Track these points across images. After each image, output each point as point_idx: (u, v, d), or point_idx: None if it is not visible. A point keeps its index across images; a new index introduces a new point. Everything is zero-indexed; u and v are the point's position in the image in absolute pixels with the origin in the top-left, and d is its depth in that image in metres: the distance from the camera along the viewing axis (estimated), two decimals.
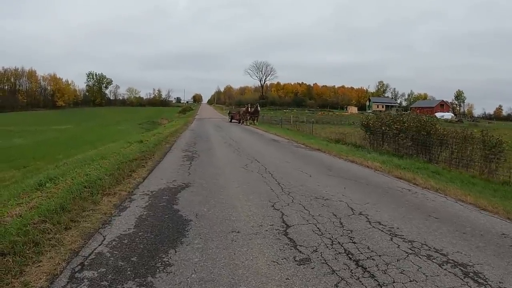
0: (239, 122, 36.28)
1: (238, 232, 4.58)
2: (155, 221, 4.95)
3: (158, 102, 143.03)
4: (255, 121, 34.04)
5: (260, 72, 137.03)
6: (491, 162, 11.87)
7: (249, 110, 34.63)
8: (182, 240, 4.26)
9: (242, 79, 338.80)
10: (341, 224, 5.08)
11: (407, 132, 14.35)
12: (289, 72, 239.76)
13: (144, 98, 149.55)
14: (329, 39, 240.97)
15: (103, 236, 4.36)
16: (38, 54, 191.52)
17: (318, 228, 4.86)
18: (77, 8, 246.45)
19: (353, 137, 19.25)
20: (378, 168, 10.27)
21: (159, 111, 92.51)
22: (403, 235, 4.70)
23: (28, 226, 4.49)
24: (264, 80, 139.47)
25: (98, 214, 5.26)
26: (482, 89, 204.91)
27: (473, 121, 78.98)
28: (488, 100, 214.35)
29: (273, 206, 5.88)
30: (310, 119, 41.96)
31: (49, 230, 4.47)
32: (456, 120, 60.00)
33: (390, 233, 4.78)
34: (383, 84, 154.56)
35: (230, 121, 39.64)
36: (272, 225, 4.91)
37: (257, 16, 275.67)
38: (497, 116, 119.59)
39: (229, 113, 44.99)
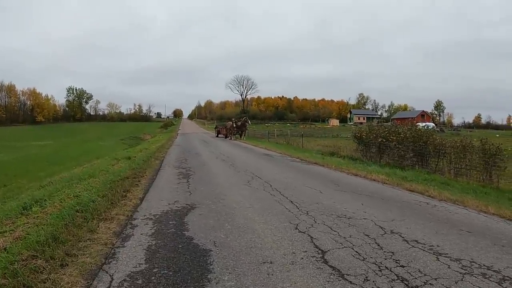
0: (225, 137, 35.57)
1: (271, 262, 3.90)
2: (169, 253, 4.21)
3: (139, 117, 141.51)
4: (243, 136, 33.39)
5: (241, 86, 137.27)
6: (492, 170, 11.65)
7: (236, 124, 33.93)
8: (209, 276, 3.56)
9: (222, 93, 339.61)
10: (378, 245, 4.52)
11: (404, 143, 14.00)
12: (270, 86, 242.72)
13: (125, 113, 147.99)
14: (309, 52, 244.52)
15: (109, 276, 3.62)
16: (18, 68, 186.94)
17: (356, 251, 4.26)
18: (58, 23, 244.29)
19: (346, 150, 18.88)
20: (385, 181, 9.82)
21: (141, 126, 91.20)
22: (447, 254, 4.26)
23: (16, 264, 3.74)
24: (245, 94, 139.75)
25: (97, 245, 4.52)
26: (460, 98, 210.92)
27: (454, 130, 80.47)
28: (467, 109, 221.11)
29: (296, 228, 5.24)
30: (294, 132, 41.79)
31: (41, 268, 3.73)
32: (438, 130, 60.79)
33: (433, 252, 4.33)
34: (364, 96, 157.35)
35: (217, 136, 38.89)
36: (306, 251, 4.26)
37: (237, 29, 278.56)
38: (477, 125, 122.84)
39: (215, 128, 44.22)
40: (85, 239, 4.70)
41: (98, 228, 5.25)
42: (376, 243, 4.61)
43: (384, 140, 15.35)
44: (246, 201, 6.97)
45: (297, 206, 6.57)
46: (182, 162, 14.55)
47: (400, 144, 14.28)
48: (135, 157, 16.93)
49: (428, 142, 14.03)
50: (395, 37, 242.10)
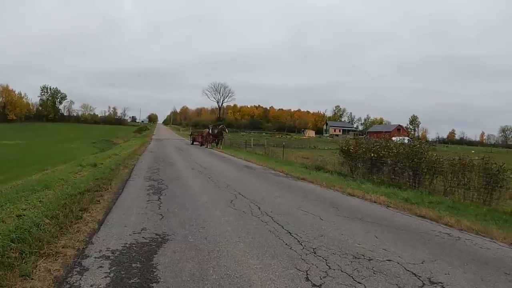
0: (201, 145, 33.92)
1: None
2: None
3: (113, 120, 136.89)
4: (219, 145, 31.81)
5: (218, 94, 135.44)
6: (494, 190, 10.73)
7: (213, 132, 32.32)
8: None
9: (198, 100, 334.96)
10: None
11: (402, 160, 12.92)
12: (246, 94, 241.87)
13: (99, 115, 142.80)
14: (285, 62, 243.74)
15: None
16: None
17: None
18: (31, 21, 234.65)
19: (331, 164, 17.69)
20: (388, 204, 8.67)
21: (114, 129, 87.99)
22: None
23: None
24: (222, 101, 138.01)
25: None
26: (434, 114, 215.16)
27: (430, 145, 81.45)
28: (440, 125, 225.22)
29: (306, 277, 3.85)
30: (271, 142, 40.64)
31: None
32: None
33: None
34: (340, 108, 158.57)
35: (192, 143, 37.16)
36: None
37: (213, 35, 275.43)
38: (451, 140, 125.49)
39: (190, 135, 42.40)
40: None
41: (34, 271, 3.73)
42: None
43: (375, 156, 14.25)
44: (233, 232, 5.49)
45: (298, 241, 5.17)
46: (154, 172, 12.92)
47: (398, 161, 13.18)
48: (102, 164, 15.18)
49: (423, 159, 13.04)
50: (370, 50, 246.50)
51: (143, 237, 5.02)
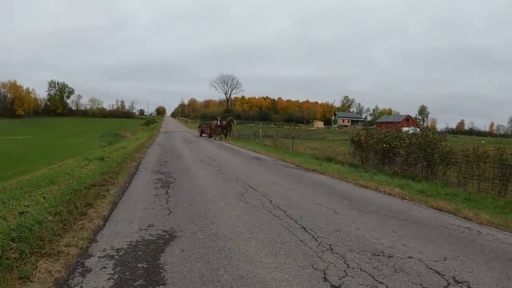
0: (209, 137, 33.71)
1: None
2: None
3: (121, 114, 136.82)
4: (228, 136, 31.56)
5: (226, 85, 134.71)
6: (509, 181, 10.34)
7: (221, 123, 32.05)
8: None
9: (206, 92, 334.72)
10: None
11: (415, 151, 12.54)
12: (254, 85, 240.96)
13: (107, 109, 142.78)
14: (293, 53, 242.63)
15: None
16: None
17: None
18: (39, 17, 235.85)
19: (341, 155, 17.34)
20: (402, 196, 8.36)
21: (122, 123, 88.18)
22: None
23: None
24: (230, 93, 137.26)
25: None
26: (443, 104, 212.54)
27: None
28: (449, 115, 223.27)
29: (325, 278, 3.59)
30: (279, 134, 40.26)
31: None
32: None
33: None
34: (348, 99, 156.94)
35: (200, 135, 36.98)
36: None
37: (220, 28, 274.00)
38: (460, 131, 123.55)
39: (199, 127, 42.19)
40: None
41: (34, 273, 3.53)
42: None
43: (387, 146, 13.88)
44: (244, 227, 5.23)
45: (313, 236, 4.91)
46: (162, 165, 12.72)
47: (411, 151, 12.82)
48: (109, 157, 15.04)
49: (436, 149, 12.65)
50: (378, 41, 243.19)
51: (149, 234, 4.79)
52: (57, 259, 3.93)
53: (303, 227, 5.31)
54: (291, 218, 5.84)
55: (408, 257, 4.31)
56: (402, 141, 13.68)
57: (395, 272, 3.81)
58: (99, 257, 3.99)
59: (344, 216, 6.12)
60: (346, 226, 5.52)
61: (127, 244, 4.40)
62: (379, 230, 5.40)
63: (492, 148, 11.97)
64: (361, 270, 3.82)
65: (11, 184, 10.76)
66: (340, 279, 3.58)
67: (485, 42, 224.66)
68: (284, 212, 6.22)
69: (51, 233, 4.65)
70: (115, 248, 4.25)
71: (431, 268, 3.96)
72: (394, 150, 13.42)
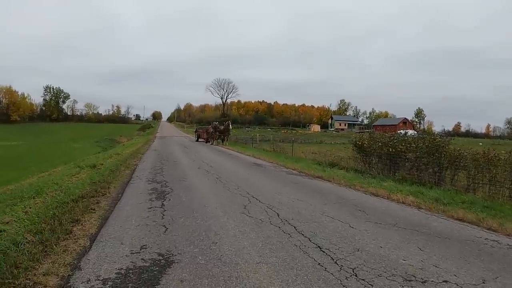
0: (206, 142, 33.01)
1: None
2: None
3: (117, 119, 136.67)
4: (225, 141, 30.88)
5: (222, 90, 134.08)
6: None
7: (219, 128, 31.36)
8: None
9: (202, 96, 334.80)
10: None
11: (425, 156, 11.96)
12: (250, 90, 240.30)
13: (103, 114, 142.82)
14: (285, 57, 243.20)
15: None
16: None
17: None
18: (33, 22, 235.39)
19: (343, 160, 16.72)
20: (417, 205, 7.77)
21: (118, 128, 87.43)
22: None
23: None
24: (226, 97, 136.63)
25: None
26: (438, 107, 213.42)
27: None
28: (444, 117, 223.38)
29: None
30: (277, 138, 39.59)
31: None
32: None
33: None
34: (345, 102, 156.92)
35: (197, 140, 36.25)
36: None
37: (214, 32, 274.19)
38: (457, 133, 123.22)
39: (195, 131, 41.46)
40: None
41: None
42: None
43: (393, 150, 13.28)
44: (252, 249, 4.55)
45: (332, 258, 4.25)
46: (157, 173, 12.04)
47: (419, 156, 12.24)
48: (102, 164, 14.32)
49: (443, 153, 12.08)
50: (370, 43, 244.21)
51: (142, 259, 4.11)
52: None
53: (319, 247, 4.66)
54: (303, 235, 5.19)
55: (443, 281, 3.70)
56: (409, 145, 13.10)
57: None
58: None
59: (361, 232, 5.47)
60: (367, 244, 4.87)
61: (115, 273, 3.71)
62: (403, 248, 4.76)
63: (503, 152, 11.45)
64: None
65: None
66: None
67: (479, 43, 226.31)
68: (295, 227, 5.56)
69: (29, 257, 4.00)
70: (101, 279, 3.57)
71: None
72: (401, 154, 12.83)
